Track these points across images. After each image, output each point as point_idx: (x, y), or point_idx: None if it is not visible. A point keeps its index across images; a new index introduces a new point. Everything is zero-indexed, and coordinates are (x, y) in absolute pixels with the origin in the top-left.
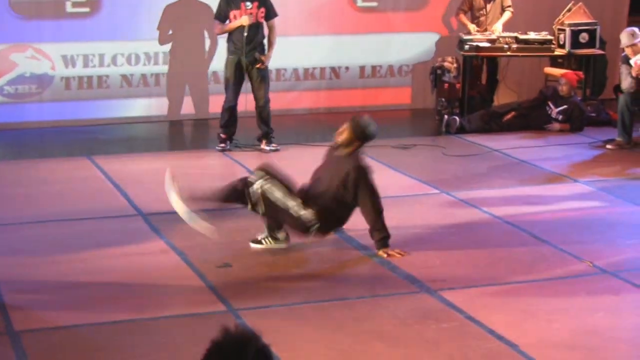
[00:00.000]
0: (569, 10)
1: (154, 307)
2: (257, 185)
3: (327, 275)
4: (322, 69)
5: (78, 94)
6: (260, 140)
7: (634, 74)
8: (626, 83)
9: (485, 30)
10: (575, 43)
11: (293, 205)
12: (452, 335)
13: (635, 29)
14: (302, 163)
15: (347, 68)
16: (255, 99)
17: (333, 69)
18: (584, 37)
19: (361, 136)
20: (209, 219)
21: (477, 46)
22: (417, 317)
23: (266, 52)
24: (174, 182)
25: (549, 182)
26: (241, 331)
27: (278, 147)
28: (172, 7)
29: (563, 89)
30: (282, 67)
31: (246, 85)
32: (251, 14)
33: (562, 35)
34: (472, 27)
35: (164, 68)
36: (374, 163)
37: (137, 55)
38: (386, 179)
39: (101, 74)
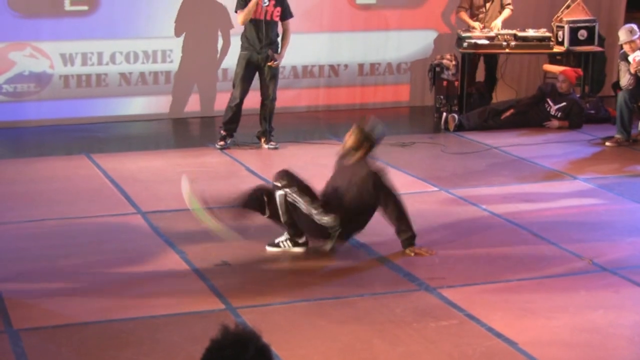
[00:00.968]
0: (568, 7)
1: (153, 305)
2: (281, 192)
3: (326, 273)
4: (321, 67)
5: (77, 92)
6: (259, 138)
7: (632, 71)
8: (625, 80)
9: (484, 27)
10: (574, 40)
11: (316, 212)
12: (451, 333)
13: (634, 26)
14: (301, 161)
15: (345, 66)
16: (263, 95)
17: (332, 67)
18: (582, 34)
19: (368, 141)
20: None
21: (476, 43)
22: (416, 315)
23: (279, 50)
24: (194, 194)
25: (548, 180)
26: (240, 330)
27: (277, 145)
28: (188, 3)
29: (562, 86)
30: (280, 65)
31: (253, 83)
32: (266, 11)
33: (560, 32)
34: (476, 24)
35: (162, 66)
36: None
37: (135, 54)
38: None
39: (100, 72)
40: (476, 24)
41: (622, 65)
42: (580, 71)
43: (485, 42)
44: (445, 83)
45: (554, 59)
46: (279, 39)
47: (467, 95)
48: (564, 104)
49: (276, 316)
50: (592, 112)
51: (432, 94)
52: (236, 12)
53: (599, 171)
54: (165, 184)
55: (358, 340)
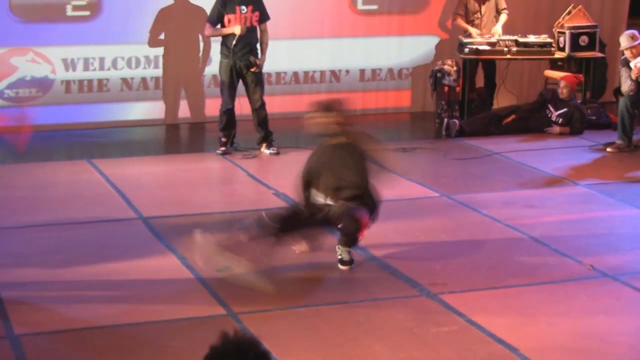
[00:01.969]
0: (569, 13)
1: (153, 310)
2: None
3: (327, 278)
4: (322, 72)
5: (78, 98)
6: (260, 143)
7: (633, 77)
8: (626, 86)
9: (483, 34)
10: (575, 46)
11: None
12: (453, 339)
13: (635, 32)
14: (302, 166)
15: (347, 71)
16: (251, 102)
17: (333, 72)
18: (583, 40)
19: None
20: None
21: (477, 49)
22: (418, 320)
23: (259, 55)
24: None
25: (549, 185)
26: (240, 337)
27: (278, 151)
28: (166, 10)
29: (563, 91)
30: (282, 70)
31: (241, 88)
32: (246, 18)
33: (562, 38)
34: (474, 30)
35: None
36: (373, 166)
37: (137, 59)
38: (386, 182)
39: (101, 77)
40: (473, 30)
41: (624, 71)
42: (581, 77)
43: (487, 47)
44: (446, 89)
45: (555, 64)
46: (258, 45)
47: (468, 101)
48: (565, 109)
49: (277, 322)
50: (594, 118)
51: (433, 100)
52: (207, 22)
53: (600, 177)
54: (166, 189)
55: (359, 346)
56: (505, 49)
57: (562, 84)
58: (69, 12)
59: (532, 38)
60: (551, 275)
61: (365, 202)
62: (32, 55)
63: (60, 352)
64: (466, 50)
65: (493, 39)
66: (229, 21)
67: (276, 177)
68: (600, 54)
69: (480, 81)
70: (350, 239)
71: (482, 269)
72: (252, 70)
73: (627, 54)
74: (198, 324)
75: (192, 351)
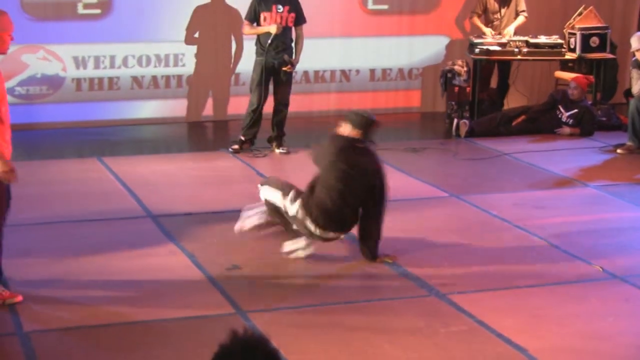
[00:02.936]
0: (580, 14)
1: (163, 308)
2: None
3: (336, 278)
4: (333, 72)
5: (89, 95)
6: (271, 142)
7: None
8: (637, 87)
9: (499, 34)
10: (586, 47)
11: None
12: (462, 339)
13: None
14: (312, 166)
15: (357, 71)
16: (276, 100)
17: (343, 72)
18: (594, 41)
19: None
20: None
21: (488, 50)
22: (427, 320)
23: (294, 55)
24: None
25: (559, 186)
26: (249, 335)
27: (288, 150)
28: (201, 8)
29: (573, 93)
30: (293, 70)
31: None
32: (281, 17)
33: (572, 39)
34: (487, 30)
35: (174, 70)
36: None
37: (148, 57)
38: (396, 182)
39: (112, 75)
40: (488, 30)
41: (634, 73)
42: (592, 78)
43: (497, 48)
44: (456, 89)
45: (565, 66)
46: (293, 44)
47: (478, 102)
48: (575, 111)
49: (286, 320)
50: (604, 119)
51: (443, 100)
52: (245, 20)
53: (610, 178)
54: (176, 188)
55: (369, 346)
56: (516, 49)
57: (573, 85)
58: (80, 10)
59: (542, 39)
60: (561, 277)
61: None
62: (43, 53)
63: (69, 349)
64: (477, 50)
65: (504, 40)
66: (265, 19)
67: (286, 176)
68: (611, 56)
69: (493, 82)
70: None
71: (491, 269)
72: (285, 69)
73: (638, 55)
74: (207, 322)
75: (201, 349)
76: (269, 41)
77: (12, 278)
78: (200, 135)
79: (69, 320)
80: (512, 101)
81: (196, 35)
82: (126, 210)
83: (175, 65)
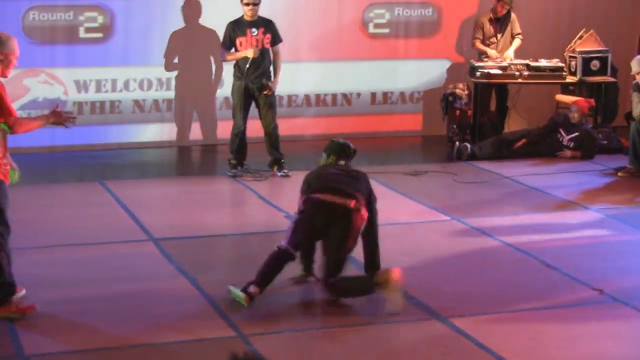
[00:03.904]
0: (581, 37)
1: (164, 331)
2: None
3: (336, 300)
4: (334, 95)
5: (90, 119)
6: (271, 166)
7: None
8: (637, 110)
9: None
10: (587, 70)
11: None
12: None
13: None
14: None
15: (358, 94)
16: (263, 125)
17: (344, 95)
18: (595, 65)
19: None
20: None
21: (489, 73)
22: (427, 343)
23: (272, 78)
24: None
25: (560, 209)
26: (250, 357)
27: (289, 173)
28: (178, 33)
29: (574, 116)
30: (293, 93)
31: (254, 110)
32: (257, 40)
33: (573, 63)
34: (492, 52)
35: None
36: (384, 189)
37: (149, 81)
38: (397, 205)
39: (113, 99)
40: (492, 52)
41: (635, 96)
42: (592, 101)
43: (498, 71)
44: (457, 112)
45: (566, 89)
46: (271, 67)
47: (479, 125)
48: (576, 134)
49: (287, 344)
50: (605, 142)
51: (444, 123)
52: (222, 46)
53: (611, 201)
54: (177, 211)
55: None
56: (517, 73)
57: (574, 108)
58: (82, 34)
59: (543, 62)
60: (561, 300)
61: None
62: (45, 77)
63: None
64: (478, 74)
65: (504, 63)
66: (241, 44)
67: (287, 199)
68: (611, 79)
69: (492, 104)
70: None
71: (492, 292)
72: (265, 93)
73: (639, 78)
74: (208, 346)
75: None
76: (247, 65)
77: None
78: (200, 158)
79: (69, 343)
80: (513, 124)
81: (175, 60)
82: (127, 233)
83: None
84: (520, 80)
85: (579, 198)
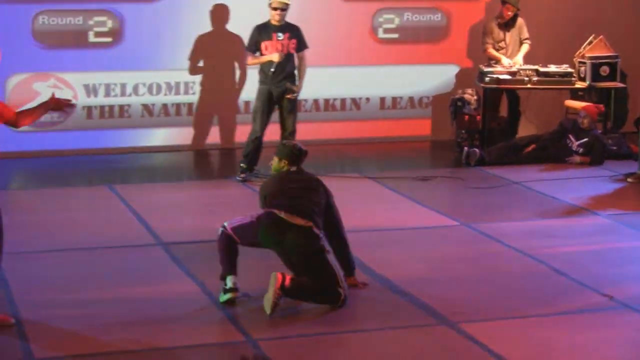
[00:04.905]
0: (590, 43)
1: (173, 336)
2: None
3: (346, 306)
4: (343, 100)
5: (100, 123)
6: None
7: None
8: None
9: None
10: (596, 76)
11: None
12: None
13: None
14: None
15: (367, 99)
16: (283, 128)
17: (353, 100)
18: (604, 70)
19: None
20: None
21: (498, 78)
22: (436, 349)
23: (297, 82)
24: None
25: (569, 215)
26: None
27: None
28: (203, 37)
29: (584, 121)
30: (302, 98)
31: (272, 116)
32: (282, 45)
33: (582, 68)
34: (505, 60)
35: (185, 98)
36: (393, 194)
37: (158, 85)
38: (406, 210)
39: (123, 103)
40: (506, 60)
41: None
42: (602, 107)
43: (507, 77)
44: (466, 117)
45: (575, 94)
46: (296, 71)
47: (488, 130)
48: (585, 139)
49: (295, 349)
50: (614, 148)
51: (453, 128)
52: (247, 49)
53: (621, 207)
54: (186, 215)
55: None
56: (526, 78)
57: (583, 114)
58: (91, 38)
59: (552, 68)
60: (571, 306)
61: None
62: (54, 81)
63: None
64: (487, 79)
65: (514, 69)
66: (266, 47)
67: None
68: (621, 84)
69: (503, 110)
70: None
71: (501, 298)
72: (288, 96)
73: None
74: (217, 350)
75: None
76: (272, 69)
77: (21, 305)
78: (209, 163)
79: (79, 347)
80: (522, 130)
81: (200, 64)
82: (136, 237)
83: (186, 93)
84: (529, 86)
85: (588, 204)
